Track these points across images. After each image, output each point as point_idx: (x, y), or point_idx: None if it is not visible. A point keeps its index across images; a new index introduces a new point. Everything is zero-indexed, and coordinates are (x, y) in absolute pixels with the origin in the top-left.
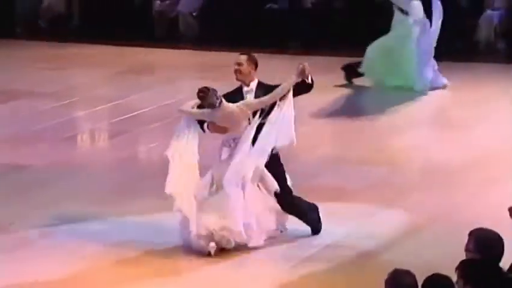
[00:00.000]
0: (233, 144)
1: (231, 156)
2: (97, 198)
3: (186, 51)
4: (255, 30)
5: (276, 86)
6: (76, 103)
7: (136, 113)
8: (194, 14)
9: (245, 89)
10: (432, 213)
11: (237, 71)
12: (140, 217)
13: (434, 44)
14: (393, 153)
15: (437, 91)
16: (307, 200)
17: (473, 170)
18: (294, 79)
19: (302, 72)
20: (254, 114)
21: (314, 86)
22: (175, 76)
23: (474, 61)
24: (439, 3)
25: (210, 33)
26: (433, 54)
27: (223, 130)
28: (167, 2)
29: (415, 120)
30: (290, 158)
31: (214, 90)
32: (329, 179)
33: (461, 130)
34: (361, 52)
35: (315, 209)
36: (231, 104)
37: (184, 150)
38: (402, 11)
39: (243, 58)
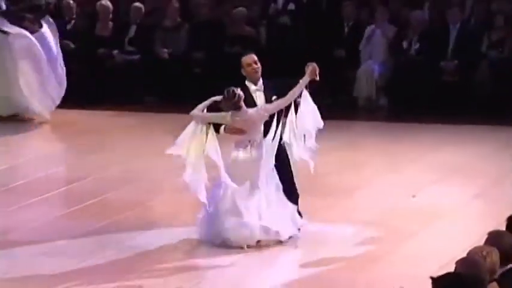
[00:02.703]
0: (249, 145)
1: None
2: None
3: None
4: (104, 85)
5: (284, 78)
6: None
7: None
8: None
9: (253, 87)
10: None
11: (257, 70)
12: None
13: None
14: None
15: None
16: None
17: (352, 242)
18: (306, 79)
19: (313, 72)
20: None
21: None
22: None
23: (352, 119)
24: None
25: None
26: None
27: (240, 132)
28: None
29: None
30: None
31: (241, 95)
32: None
33: (338, 197)
34: None
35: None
36: (250, 109)
37: (207, 147)
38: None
39: (255, 57)
